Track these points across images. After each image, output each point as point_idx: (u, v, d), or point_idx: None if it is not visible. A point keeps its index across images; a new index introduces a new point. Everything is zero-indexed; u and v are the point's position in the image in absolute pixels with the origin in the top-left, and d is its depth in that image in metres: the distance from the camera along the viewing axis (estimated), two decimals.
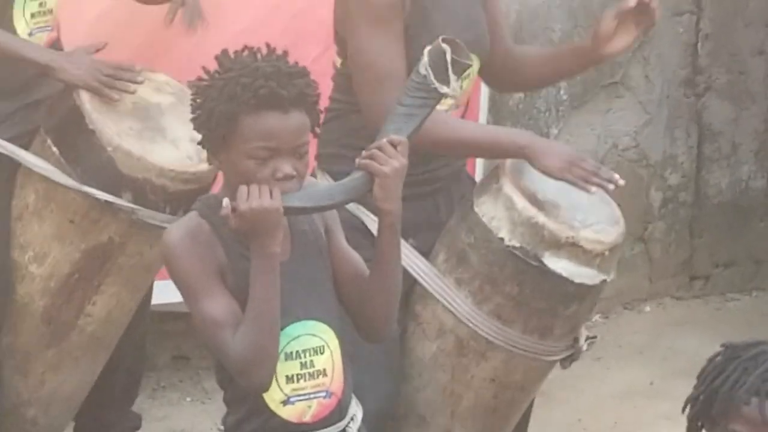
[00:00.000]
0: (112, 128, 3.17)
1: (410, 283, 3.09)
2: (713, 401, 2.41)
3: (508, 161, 3.15)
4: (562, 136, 4.69)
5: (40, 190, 3.30)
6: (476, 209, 3.04)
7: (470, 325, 3.09)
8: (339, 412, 2.47)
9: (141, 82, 3.26)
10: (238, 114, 2.32)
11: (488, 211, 3.04)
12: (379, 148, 2.39)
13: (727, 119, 5.27)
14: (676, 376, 4.26)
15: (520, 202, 3.00)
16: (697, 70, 5.24)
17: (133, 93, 3.21)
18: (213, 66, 2.48)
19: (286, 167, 2.34)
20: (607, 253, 3.11)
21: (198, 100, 2.40)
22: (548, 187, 3.11)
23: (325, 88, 2.89)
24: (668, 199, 5.14)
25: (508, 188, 3.04)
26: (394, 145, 2.40)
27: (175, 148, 3.22)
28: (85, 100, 3.23)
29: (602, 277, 3.07)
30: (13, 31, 3.34)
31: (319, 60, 3.96)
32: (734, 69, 5.35)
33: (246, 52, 2.41)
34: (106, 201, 3.18)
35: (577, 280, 3.03)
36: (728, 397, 2.37)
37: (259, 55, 2.40)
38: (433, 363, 3.15)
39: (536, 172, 3.06)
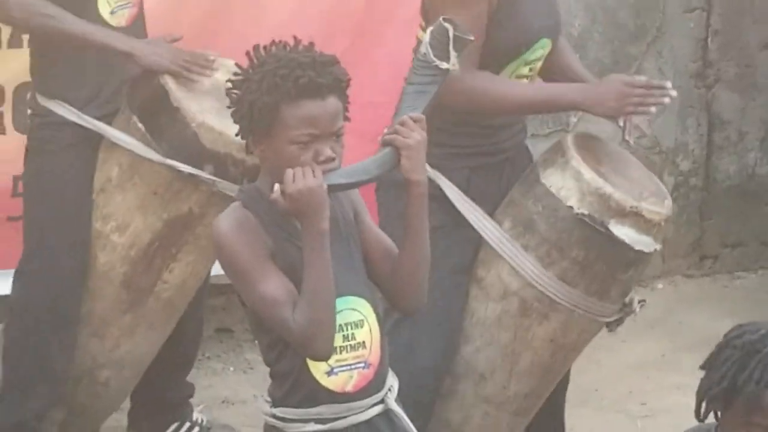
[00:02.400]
0: (195, 106, 3.32)
1: (473, 249, 3.21)
2: (735, 394, 2.48)
3: (570, 136, 3.27)
4: (581, 124, 4.81)
5: (124, 164, 3.43)
6: (543, 181, 3.16)
7: (537, 286, 3.19)
8: (377, 383, 2.56)
9: (217, 69, 3.42)
10: (280, 103, 2.40)
11: (556, 182, 3.14)
12: (402, 124, 2.49)
13: (735, 109, 5.45)
14: (687, 349, 4.41)
15: (588, 174, 3.12)
16: (707, 63, 5.37)
17: (209, 77, 3.37)
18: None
19: (327, 150, 2.43)
20: (663, 223, 3.25)
21: (236, 94, 2.48)
22: (609, 162, 3.24)
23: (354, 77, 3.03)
24: (680, 184, 5.30)
25: (576, 161, 3.15)
26: (414, 120, 2.50)
27: None
28: (169, 81, 3.38)
29: (656, 245, 3.21)
30: (97, 10, 3.46)
31: (347, 51, 4.09)
32: (742, 62, 5.53)
33: (275, 46, 2.49)
34: (189, 173, 3.30)
35: (637, 247, 3.15)
36: (753, 393, 2.43)
37: (288, 48, 2.49)
38: (496, 323, 3.24)
39: (598, 147, 3.18)
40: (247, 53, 2.48)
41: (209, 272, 3.75)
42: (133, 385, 3.78)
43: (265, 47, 2.49)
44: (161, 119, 3.34)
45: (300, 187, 2.36)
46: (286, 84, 2.41)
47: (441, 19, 2.53)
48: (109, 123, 3.49)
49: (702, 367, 2.64)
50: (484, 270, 3.22)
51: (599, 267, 3.19)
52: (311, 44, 2.50)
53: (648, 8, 5.53)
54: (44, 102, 3.53)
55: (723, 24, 5.22)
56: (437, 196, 3.07)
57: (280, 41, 2.52)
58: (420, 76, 2.58)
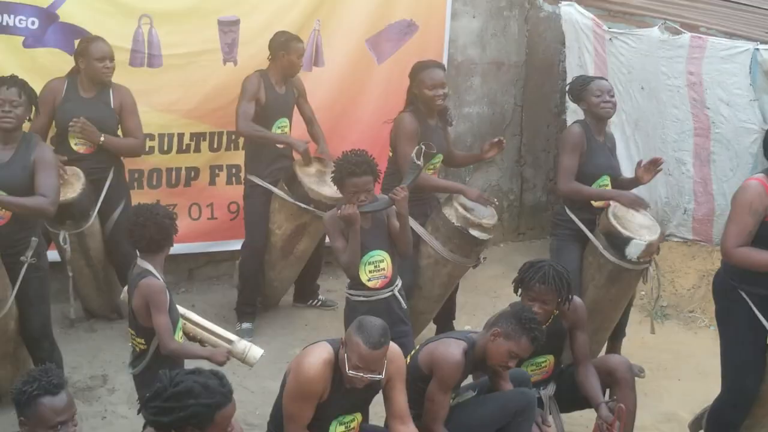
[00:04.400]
0: (306, 179, 6.75)
1: (417, 238, 6.38)
2: (523, 283, 5.35)
3: (454, 195, 6.42)
4: (471, 181, 7.98)
5: (280, 202, 6.95)
6: (443, 211, 6.41)
7: (441, 253, 6.41)
8: (390, 283, 5.58)
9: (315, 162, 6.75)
10: (351, 177, 5.43)
11: (447, 211, 6.38)
12: (399, 189, 5.51)
13: None
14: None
15: (460, 208, 6.37)
16: None
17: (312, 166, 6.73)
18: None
19: (362, 196, 5.41)
20: (492, 228, 6.42)
21: (335, 170, 5.48)
22: (468, 203, 6.32)
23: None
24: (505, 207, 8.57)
25: (455, 203, 6.30)
26: (401, 189, 5.50)
27: (329, 188, 6.29)
28: (297, 168, 6.69)
29: (490, 237, 6.42)
30: None
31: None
32: None
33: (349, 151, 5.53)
34: (305, 207, 6.80)
35: (481, 238, 6.31)
36: (527, 283, 5.30)
37: (355, 154, 5.48)
38: (426, 268, 6.49)
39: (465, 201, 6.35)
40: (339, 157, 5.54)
41: (320, 243, 7.15)
42: (288, 287, 7.40)
43: (345, 152, 5.53)
44: (294, 184, 6.82)
45: (347, 212, 5.43)
46: (352, 168, 5.34)
47: (421, 144, 5.69)
48: (275, 185, 6.90)
49: (518, 271, 5.26)
50: (423, 246, 6.45)
51: (465, 246, 6.41)
52: (363, 150, 5.46)
53: None
54: (249, 175, 6.94)
55: None
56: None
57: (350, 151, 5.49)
58: (410, 168, 5.73)
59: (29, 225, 5.60)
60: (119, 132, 6.74)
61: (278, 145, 6.92)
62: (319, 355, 4.55)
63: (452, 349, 4.96)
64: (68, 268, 6.50)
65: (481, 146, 6.81)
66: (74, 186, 6.37)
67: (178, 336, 4.91)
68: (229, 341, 5.04)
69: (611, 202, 6.14)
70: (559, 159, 6.19)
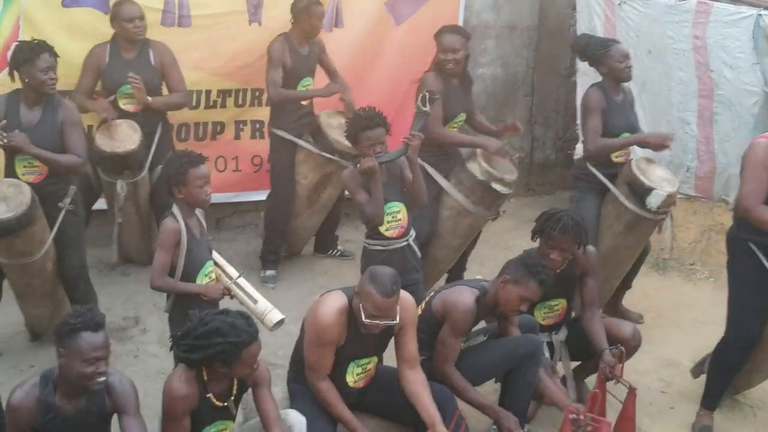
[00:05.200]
0: (330, 131, 6.93)
1: (439, 190, 6.57)
2: (544, 233, 5.32)
3: (478, 150, 6.54)
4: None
5: (305, 153, 7.12)
6: (467, 165, 6.54)
7: (464, 205, 6.54)
8: (406, 232, 5.69)
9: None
10: (365, 130, 5.46)
11: (471, 166, 6.51)
12: (411, 136, 5.52)
13: None
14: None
15: (483, 163, 6.46)
16: None
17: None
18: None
19: (378, 148, 5.44)
20: (513, 183, 6.56)
21: (349, 128, 5.55)
22: (495, 161, 6.46)
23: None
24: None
25: (479, 158, 6.45)
26: (413, 135, 5.54)
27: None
28: (321, 120, 6.90)
29: (510, 191, 6.56)
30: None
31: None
32: None
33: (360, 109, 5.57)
34: (329, 157, 6.99)
35: (503, 192, 6.44)
36: (549, 233, 5.25)
37: (366, 110, 5.49)
38: (447, 218, 6.65)
39: (489, 157, 6.49)
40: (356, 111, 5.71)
41: (341, 193, 7.35)
42: (311, 236, 7.66)
43: (362, 108, 5.67)
44: (318, 136, 7.00)
45: (368, 164, 5.48)
46: (366, 122, 5.47)
47: (426, 91, 5.77)
48: (299, 138, 7.08)
49: (536, 221, 5.37)
50: (444, 196, 6.60)
51: (487, 198, 6.53)
52: (373, 107, 5.53)
53: None
54: (274, 129, 7.11)
55: None
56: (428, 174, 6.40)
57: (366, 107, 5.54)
58: (418, 115, 5.72)
59: (65, 179, 5.88)
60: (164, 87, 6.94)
61: (303, 103, 7.15)
62: (334, 303, 4.65)
63: (465, 296, 5.04)
64: (118, 215, 6.67)
65: (499, 127, 6.96)
66: (133, 138, 6.52)
67: (202, 279, 4.96)
68: (254, 300, 5.08)
69: (633, 156, 6.42)
70: (583, 123, 6.41)
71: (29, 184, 5.66)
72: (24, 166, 5.76)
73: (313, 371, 4.73)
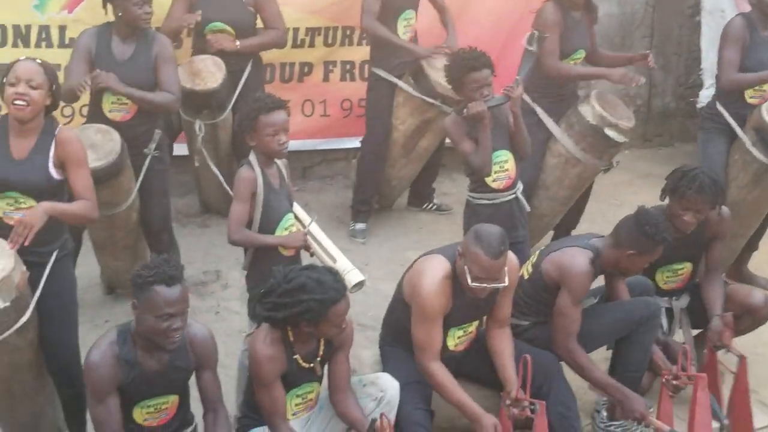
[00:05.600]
0: (433, 73, 6.88)
1: (548, 135, 6.55)
2: (676, 191, 5.21)
3: (593, 92, 6.49)
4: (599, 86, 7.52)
5: (404, 96, 7.10)
6: (579, 107, 6.53)
7: (573, 153, 6.56)
8: (513, 186, 5.73)
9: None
10: (470, 72, 5.47)
11: (584, 109, 6.50)
12: (514, 85, 5.56)
13: None
14: None
15: (597, 106, 6.44)
16: None
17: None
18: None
19: (485, 91, 5.47)
20: (629, 131, 6.39)
21: (450, 70, 5.58)
22: (609, 103, 6.39)
23: None
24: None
25: (593, 101, 6.44)
26: (513, 85, 5.56)
27: None
28: (424, 61, 6.86)
29: (626, 140, 6.46)
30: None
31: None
32: None
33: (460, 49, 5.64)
34: (430, 102, 6.94)
35: (617, 141, 6.41)
36: (682, 192, 5.18)
37: (468, 50, 5.58)
38: (554, 167, 6.67)
39: (605, 98, 6.36)
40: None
41: (440, 144, 7.36)
42: (406, 187, 7.66)
43: (463, 49, 5.67)
44: (420, 78, 6.97)
45: (477, 109, 5.50)
46: (473, 64, 5.47)
47: (534, 29, 6.08)
48: (399, 79, 7.05)
49: (667, 178, 5.32)
50: (552, 143, 6.64)
51: (599, 146, 6.52)
52: (475, 48, 5.56)
53: None
54: (374, 68, 7.10)
55: None
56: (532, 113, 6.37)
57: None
58: (524, 58, 6.15)
59: (153, 119, 5.93)
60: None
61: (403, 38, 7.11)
62: (437, 271, 4.65)
63: (579, 259, 5.03)
64: (195, 158, 6.79)
65: (628, 55, 6.93)
66: (216, 76, 6.55)
67: (282, 233, 4.93)
68: (333, 258, 5.09)
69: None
70: (719, 54, 6.32)
71: (115, 123, 5.72)
72: (112, 102, 5.80)
73: (422, 350, 4.72)
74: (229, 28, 6.60)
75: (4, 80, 4.51)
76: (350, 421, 4.48)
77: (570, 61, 6.61)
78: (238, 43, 6.71)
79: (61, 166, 4.53)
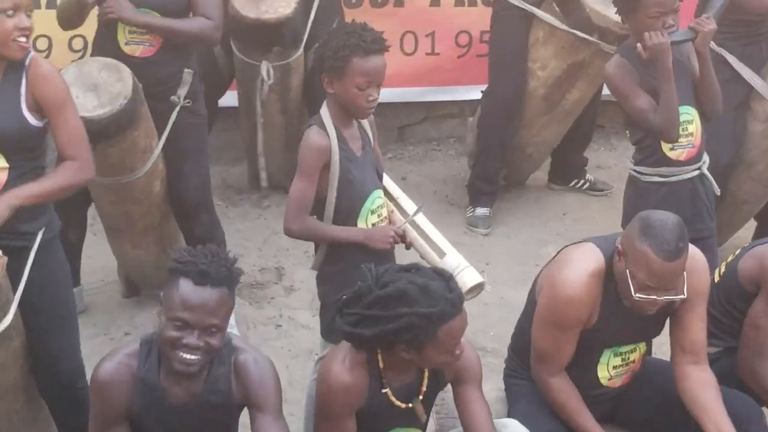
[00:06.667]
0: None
1: (745, 92, 6.39)
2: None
3: None
4: None
5: (546, 31, 6.91)
6: None
7: None
8: (697, 157, 5.52)
9: None
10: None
11: None
12: (705, 19, 5.44)
13: None
14: None
15: None
16: None
17: None
18: None
19: (670, 20, 5.27)
20: None
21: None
22: None
23: None
24: None
25: None
26: (706, 19, 5.39)
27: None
28: None
29: None
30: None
31: None
32: None
33: None
34: (584, 38, 6.72)
35: None
36: None
37: None
38: (758, 135, 6.54)
39: None
40: None
41: (598, 92, 7.15)
42: (546, 157, 7.48)
43: None
44: (570, 6, 6.73)
45: (656, 42, 5.25)
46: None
47: None
48: (539, 7, 6.84)
49: None
50: (755, 103, 6.46)
51: None
52: None
53: None
54: None
55: None
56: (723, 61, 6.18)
57: None
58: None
59: (184, 54, 5.90)
60: None
61: None
62: (583, 264, 4.55)
63: None
64: (259, 113, 6.77)
65: None
66: (287, 0, 6.63)
67: (368, 219, 4.88)
68: (442, 253, 5.01)
69: None
70: None
71: (134, 60, 5.68)
72: (129, 32, 5.77)
73: (542, 361, 4.65)
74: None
75: None
76: None
77: None
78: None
79: (37, 108, 4.45)
